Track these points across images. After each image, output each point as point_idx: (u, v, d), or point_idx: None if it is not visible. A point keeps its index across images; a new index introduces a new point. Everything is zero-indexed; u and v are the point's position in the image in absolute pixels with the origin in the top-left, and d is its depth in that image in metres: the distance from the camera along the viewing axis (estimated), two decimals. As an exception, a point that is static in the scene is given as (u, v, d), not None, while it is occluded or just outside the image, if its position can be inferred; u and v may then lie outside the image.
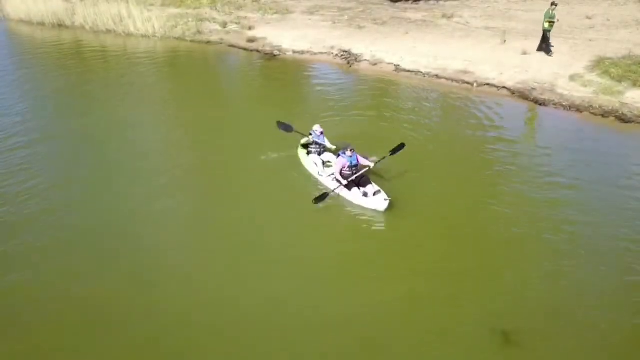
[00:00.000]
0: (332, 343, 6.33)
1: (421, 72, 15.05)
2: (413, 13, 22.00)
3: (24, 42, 22.40)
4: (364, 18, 21.57)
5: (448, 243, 7.89)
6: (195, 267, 7.61)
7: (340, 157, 9.19)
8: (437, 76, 14.65)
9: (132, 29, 22.20)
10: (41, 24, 24.82)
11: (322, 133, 10.21)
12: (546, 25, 14.69)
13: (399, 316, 6.73)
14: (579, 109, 11.98)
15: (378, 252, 7.86)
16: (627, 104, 11.60)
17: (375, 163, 9.36)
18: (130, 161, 10.71)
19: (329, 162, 10.15)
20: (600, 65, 13.33)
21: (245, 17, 22.82)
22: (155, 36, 21.52)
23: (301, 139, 10.52)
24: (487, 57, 15.30)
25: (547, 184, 9.22)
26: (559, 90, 12.80)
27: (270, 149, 10.60)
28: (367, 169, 9.23)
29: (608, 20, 18.83)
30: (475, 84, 13.94)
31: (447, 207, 8.72)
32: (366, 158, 9.38)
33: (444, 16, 20.76)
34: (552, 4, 14.65)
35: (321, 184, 9.56)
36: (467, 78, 14.27)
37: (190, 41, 20.65)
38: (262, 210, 8.86)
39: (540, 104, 12.49)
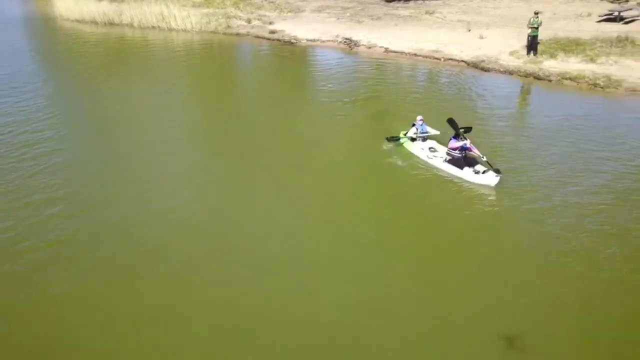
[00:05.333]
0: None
1: (404, 52, 20.74)
2: (402, 10, 27.76)
3: (85, 36, 28.09)
4: (363, 14, 27.34)
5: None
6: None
7: (454, 139, 10.90)
8: (415, 54, 20.34)
9: (173, 25, 28.00)
10: (94, 22, 30.59)
11: (422, 121, 12.13)
12: (529, 31, 17.86)
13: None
14: (511, 72, 17.63)
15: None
16: (543, 68, 17.21)
17: (482, 157, 10.76)
18: (183, 140, 13.67)
19: (432, 147, 11.81)
20: (533, 44, 18.92)
21: (265, 15, 28.61)
22: (194, 30, 27.29)
23: (407, 132, 12.32)
24: (454, 40, 20.98)
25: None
26: (500, 62, 18.44)
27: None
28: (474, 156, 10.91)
29: (554, 14, 24.48)
30: (442, 59, 19.62)
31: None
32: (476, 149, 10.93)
33: (427, 12, 26.51)
34: (535, 13, 18.04)
35: (431, 166, 11.27)
36: (437, 55, 19.95)
37: (223, 34, 26.42)
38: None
39: (484, 70, 18.14)
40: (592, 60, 17.12)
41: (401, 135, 12.52)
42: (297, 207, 10.12)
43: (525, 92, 16.68)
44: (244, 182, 11.24)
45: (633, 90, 15.27)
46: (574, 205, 9.70)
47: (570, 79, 16.39)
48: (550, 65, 17.45)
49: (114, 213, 10.06)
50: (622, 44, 17.80)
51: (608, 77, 15.88)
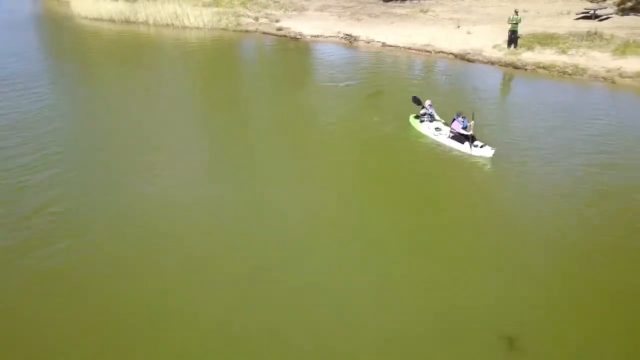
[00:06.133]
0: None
1: (399, 46, 23.26)
2: (399, 9, 30.29)
3: (105, 32, 30.62)
4: (362, 13, 29.86)
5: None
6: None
7: (455, 121, 13.06)
8: (409, 48, 22.86)
9: (186, 23, 30.51)
10: (111, 20, 33.10)
11: (430, 105, 14.06)
12: (510, 26, 20.47)
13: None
14: (492, 63, 20.15)
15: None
16: (520, 59, 19.72)
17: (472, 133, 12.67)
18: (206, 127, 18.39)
19: (437, 128, 13.67)
20: (514, 39, 21.43)
21: (271, 14, 31.15)
22: (206, 27, 29.81)
23: (419, 110, 14.29)
24: (444, 36, 23.49)
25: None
26: (484, 54, 20.94)
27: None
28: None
29: (538, 12, 26.97)
30: (432, 52, 22.13)
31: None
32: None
33: (421, 11, 29.04)
34: (515, 11, 20.60)
35: (437, 142, 13.30)
36: (428, 48, 22.46)
37: (233, 31, 28.96)
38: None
39: (470, 61, 20.65)
40: (564, 52, 19.61)
41: (411, 117, 14.59)
42: (305, 179, 11.70)
43: (502, 79, 19.32)
44: (252, 158, 13.07)
45: (595, 77, 17.78)
46: (552, 170, 11.75)
47: (544, 67, 18.91)
48: (528, 56, 19.95)
49: (117, 203, 10.74)
50: (591, 38, 20.26)
51: (576, 66, 18.39)
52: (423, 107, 14.25)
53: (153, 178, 11.80)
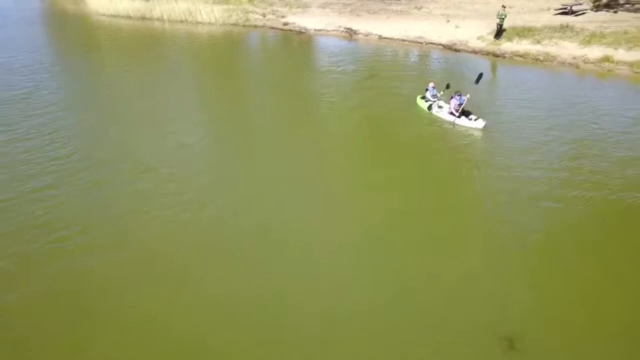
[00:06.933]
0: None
1: (394, 38, 26.14)
2: (395, 6, 33.16)
3: (125, 27, 33.48)
4: (361, 10, 32.74)
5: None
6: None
7: (453, 99, 15.44)
8: (402, 40, 25.74)
9: (199, 19, 33.35)
10: (128, 17, 35.93)
11: (434, 87, 16.57)
12: (497, 20, 23.79)
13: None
14: (475, 52, 23.03)
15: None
16: (500, 48, 22.60)
17: (457, 114, 15.32)
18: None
19: (440, 106, 16.14)
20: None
21: (277, 10, 34.02)
22: (217, 23, 32.68)
23: (424, 93, 16.75)
24: (435, 29, 26.37)
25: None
26: (469, 44, 23.83)
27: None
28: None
29: (522, 8, 29.82)
30: (424, 43, 25.03)
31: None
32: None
33: (415, 8, 31.91)
34: (503, 6, 23.68)
35: (439, 117, 15.80)
36: (420, 40, 25.36)
37: (242, 26, 31.83)
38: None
39: (456, 51, 23.54)
40: (539, 42, 22.49)
41: (418, 98, 17.16)
42: (307, 153, 13.73)
43: (484, 65, 21.93)
44: (261, 127, 16.08)
45: (563, 63, 20.68)
46: (526, 134, 14.42)
47: (519, 55, 21.81)
48: (507, 46, 22.85)
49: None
50: (563, 30, 23.12)
51: (547, 54, 21.27)
52: (426, 89, 16.83)
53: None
